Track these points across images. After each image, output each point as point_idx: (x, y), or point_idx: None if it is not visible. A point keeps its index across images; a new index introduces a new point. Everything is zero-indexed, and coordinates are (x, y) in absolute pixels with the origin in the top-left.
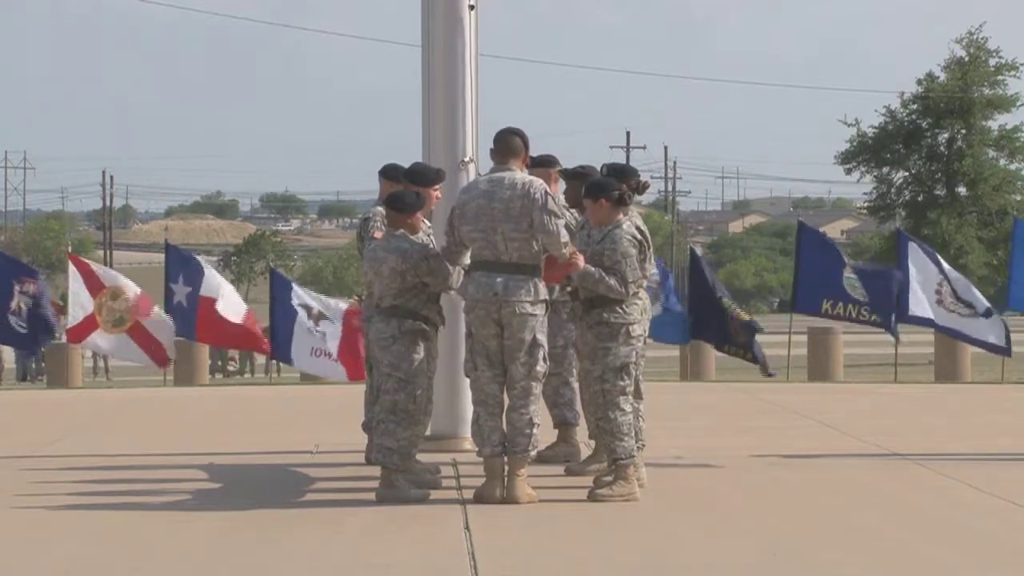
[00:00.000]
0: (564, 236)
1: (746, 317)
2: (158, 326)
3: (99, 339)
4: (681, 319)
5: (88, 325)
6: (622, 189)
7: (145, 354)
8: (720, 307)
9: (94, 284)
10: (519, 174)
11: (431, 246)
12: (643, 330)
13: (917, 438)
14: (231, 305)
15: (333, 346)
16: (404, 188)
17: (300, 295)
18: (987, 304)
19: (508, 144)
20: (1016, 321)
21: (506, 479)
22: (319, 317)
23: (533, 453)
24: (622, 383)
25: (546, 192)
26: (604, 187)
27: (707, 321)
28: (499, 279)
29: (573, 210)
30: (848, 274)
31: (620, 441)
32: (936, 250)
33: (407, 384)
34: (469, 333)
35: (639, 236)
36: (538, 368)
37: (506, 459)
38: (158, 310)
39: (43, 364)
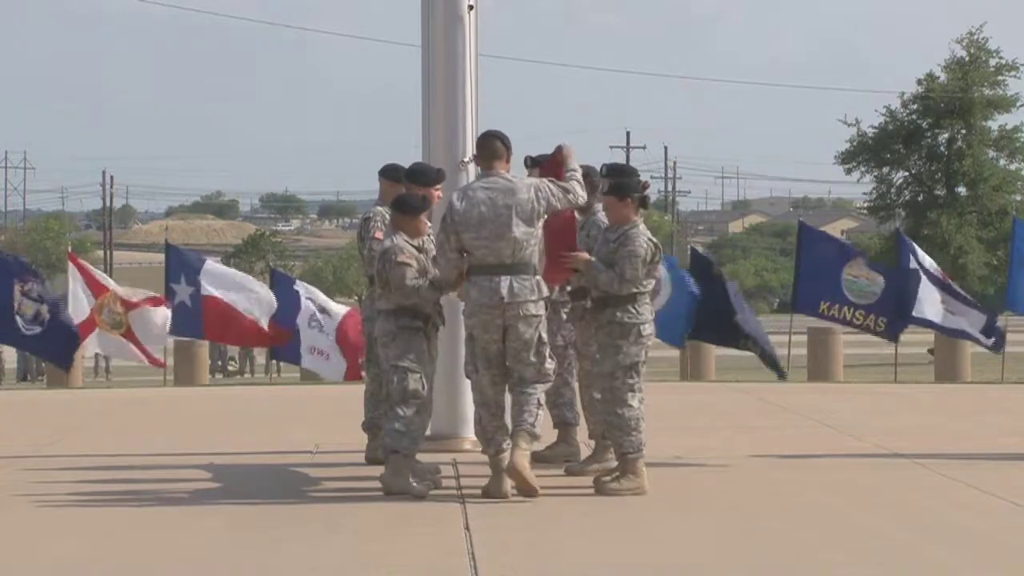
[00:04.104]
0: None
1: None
2: (142, 325)
3: (98, 339)
4: (685, 318)
5: (88, 325)
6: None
7: (141, 354)
8: (728, 307)
9: (95, 285)
10: (518, 179)
11: (431, 247)
12: (652, 330)
13: (917, 438)
14: (252, 304)
15: (327, 342)
16: (407, 189)
17: (305, 288)
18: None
19: (492, 148)
20: (1016, 321)
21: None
22: (321, 309)
23: (537, 431)
24: (631, 381)
25: (545, 180)
26: (630, 187)
27: (715, 321)
28: (504, 282)
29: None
30: (850, 275)
31: (628, 436)
32: (936, 250)
33: (414, 372)
34: (470, 336)
35: (654, 240)
36: (547, 366)
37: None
38: (145, 309)
39: (43, 364)
